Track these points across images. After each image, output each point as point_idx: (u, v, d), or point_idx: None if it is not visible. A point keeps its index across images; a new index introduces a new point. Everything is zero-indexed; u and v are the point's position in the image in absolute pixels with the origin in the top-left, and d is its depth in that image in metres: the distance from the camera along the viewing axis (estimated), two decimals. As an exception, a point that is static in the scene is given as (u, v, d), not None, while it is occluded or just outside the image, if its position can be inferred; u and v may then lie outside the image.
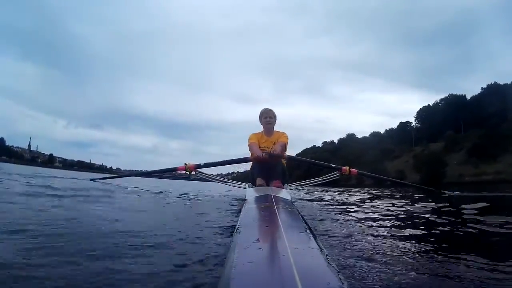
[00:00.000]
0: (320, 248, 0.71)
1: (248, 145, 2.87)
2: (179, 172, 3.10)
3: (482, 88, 43.01)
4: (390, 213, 2.27)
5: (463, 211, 2.12)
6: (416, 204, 2.88)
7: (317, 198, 3.96)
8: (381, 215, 2.12)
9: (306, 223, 1.03)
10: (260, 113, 2.95)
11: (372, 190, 7.77)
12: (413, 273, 0.84)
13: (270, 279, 0.53)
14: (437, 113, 46.65)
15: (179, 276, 0.75)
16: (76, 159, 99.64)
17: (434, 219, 1.88)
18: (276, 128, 3.00)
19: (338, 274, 0.58)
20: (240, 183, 3.66)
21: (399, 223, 1.76)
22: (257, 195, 1.78)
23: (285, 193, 2.03)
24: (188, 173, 2.98)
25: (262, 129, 2.98)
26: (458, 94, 46.53)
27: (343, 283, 0.53)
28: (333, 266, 0.61)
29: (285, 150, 2.82)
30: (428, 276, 0.82)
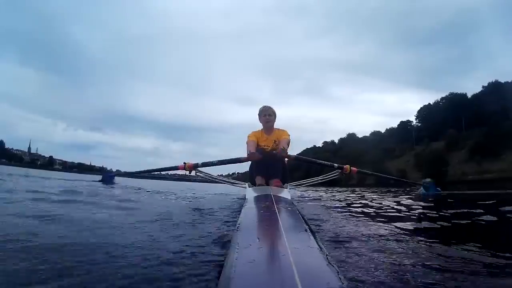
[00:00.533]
0: (320, 248, 0.71)
1: (246, 142, 2.79)
2: (180, 172, 3.13)
3: (483, 87, 42.91)
4: (390, 213, 2.27)
5: (471, 210, 2.11)
6: (417, 203, 2.87)
7: (318, 198, 3.96)
8: (382, 215, 2.11)
9: (306, 222, 1.03)
10: (259, 110, 2.85)
11: (373, 190, 7.75)
12: (414, 273, 0.84)
13: (270, 279, 0.53)
14: (438, 112, 46.51)
15: (179, 276, 0.75)
16: (76, 161, 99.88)
17: (436, 218, 1.88)
18: (276, 127, 2.93)
19: (338, 274, 0.58)
20: (240, 182, 3.67)
21: (399, 222, 1.75)
22: (257, 194, 1.78)
23: (285, 193, 2.02)
24: (188, 172, 2.99)
25: (262, 128, 2.91)
26: (459, 92, 46.44)
27: (343, 283, 0.53)
28: (333, 266, 0.61)
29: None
30: (430, 276, 0.82)
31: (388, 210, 2.40)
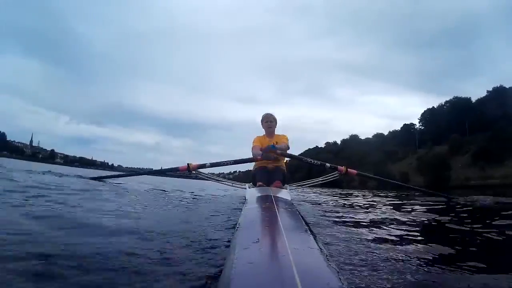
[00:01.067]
0: (320, 248, 0.71)
1: (252, 148, 3.08)
2: (180, 171, 3.14)
3: (487, 91, 42.55)
4: (390, 215, 2.26)
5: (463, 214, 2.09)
6: (416, 207, 2.86)
7: (318, 199, 3.96)
8: (381, 217, 2.11)
9: (306, 223, 1.03)
10: (262, 117, 3.21)
11: (374, 192, 7.73)
12: (413, 274, 0.84)
13: (270, 279, 0.53)
14: (441, 115, 46.20)
15: (178, 276, 0.75)
16: (78, 155, 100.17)
17: (436, 223, 1.87)
18: (277, 130, 3.25)
19: (338, 274, 0.58)
20: (240, 183, 3.66)
21: (399, 225, 1.75)
22: (257, 195, 1.78)
23: (285, 194, 2.02)
24: (188, 172, 3.03)
25: (264, 133, 3.24)
26: (463, 96, 46.05)
27: (343, 283, 0.53)
28: (333, 266, 0.61)
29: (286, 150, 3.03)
30: (427, 278, 0.82)
31: (388, 213, 2.39)
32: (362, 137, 62.28)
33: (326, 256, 0.67)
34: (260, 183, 2.76)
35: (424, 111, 53.00)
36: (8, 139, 78.53)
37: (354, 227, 1.58)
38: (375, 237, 1.32)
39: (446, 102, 48.98)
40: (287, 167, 3.34)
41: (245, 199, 1.99)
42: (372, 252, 1.04)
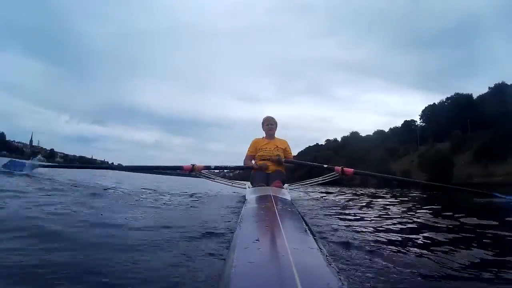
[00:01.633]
0: (320, 248, 0.71)
1: (248, 150, 3.30)
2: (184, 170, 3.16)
3: (489, 88, 42.27)
4: (391, 214, 2.26)
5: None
6: (418, 206, 2.86)
7: (318, 198, 3.95)
8: (382, 216, 2.11)
9: (306, 223, 1.03)
10: (263, 120, 3.30)
11: (376, 190, 7.71)
12: (414, 274, 0.84)
13: (270, 279, 0.53)
14: (443, 112, 45.98)
15: (178, 276, 0.75)
16: (78, 154, 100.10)
17: (437, 222, 1.87)
18: (278, 130, 3.38)
19: (338, 274, 0.58)
20: (240, 182, 3.67)
21: (400, 224, 1.74)
22: (257, 195, 1.78)
23: (285, 193, 2.03)
24: (195, 172, 3.09)
25: (265, 135, 3.36)
26: (464, 93, 45.75)
27: (343, 283, 0.53)
28: (333, 266, 0.61)
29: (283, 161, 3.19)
30: (430, 277, 0.82)
31: (390, 212, 2.39)
32: (363, 134, 62.18)
33: (326, 256, 0.67)
34: (259, 183, 2.78)
35: (425, 107, 52.86)
36: (7, 139, 78.66)
37: (355, 227, 1.58)
38: (376, 236, 1.31)
39: (448, 98, 48.76)
40: (287, 167, 3.37)
41: (245, 198, 1.99)
42: (373, 252, 1.04)
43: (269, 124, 3.25)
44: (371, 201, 3.62)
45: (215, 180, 3.55)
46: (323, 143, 72.14)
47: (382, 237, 1.30)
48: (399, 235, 1.37)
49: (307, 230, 0.89)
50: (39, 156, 3.67)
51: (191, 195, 3.41)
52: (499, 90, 38.72)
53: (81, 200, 1.97)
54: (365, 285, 0.74)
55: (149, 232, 1.22)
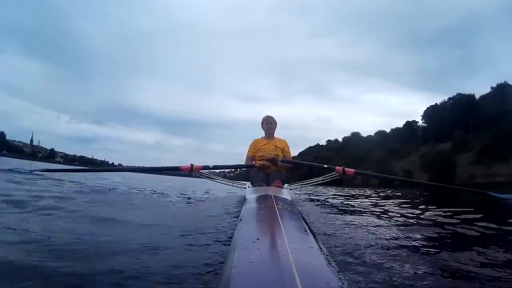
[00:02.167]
0: (320, 248, 0.71)
1: (246, 159, 3.27)
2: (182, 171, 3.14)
3: (491, 88, 42.08)
4: (392, 213, 2.25)
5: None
6: (418, 205, 2.85)
7: (318, 198, 3.95)
8: (383, 216, 2.10)
9: (306, 223, 1.03)
10: (262, 119, 3.28)
11: (377, 190, 7.71)
12: (414, 274, 0.83)
13: (270, 279, 0.53)
14: (444, 112, 45.81)
15: (178, 276, 0.75)
16: (78, 154, 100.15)
17: (437, 221, 1.86)
18: (278, 130, 3.35)
19: (338, 274, 0.58)
20: (240, 182, 3.66)
21: (401, 223, 1.74)
22: (257, 195, 1.78)
23: (285, 193, 2.02)
24: (193, 172, 3.05)
25: (264, 135, 3.34)
26: (466, 93, 45.55)
27: (343, 283, 0.53)
28: (333, 266, 0.61)
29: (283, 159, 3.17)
30: (430, 277, 0.82)
31: (390, 211, 2.38)
32: (364, 134, 62.02)
33: (326, 255, 0.67)
34: (259, 183, 2.78)
35: (427, 108, 52.63)
36: (8, 138, 78.88)
37: (355, 226, 1.57)
38: (376, 236, 1.31)
39: (449, 99, 48.57)
40: (287, 167, 3.36)
41: (245, 198, 1.99)
42: (373, 252, 1.04)
43: (269, 124, 3.25)
44: (372, 201, 3.61)
45: (216, 180, 3.54)
46: (324, 144, 72.10)
47: (383, 237, 1.30)
48: (400, 234, 1.37)
49: (307, 229, 0.89)
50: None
51: (191, 195, 3.42)
52: (501, 90, 38.53)
53: (81, 200, 1.98)
54: (365, 285, 0.74)
55: (149, 231, 1.23)
